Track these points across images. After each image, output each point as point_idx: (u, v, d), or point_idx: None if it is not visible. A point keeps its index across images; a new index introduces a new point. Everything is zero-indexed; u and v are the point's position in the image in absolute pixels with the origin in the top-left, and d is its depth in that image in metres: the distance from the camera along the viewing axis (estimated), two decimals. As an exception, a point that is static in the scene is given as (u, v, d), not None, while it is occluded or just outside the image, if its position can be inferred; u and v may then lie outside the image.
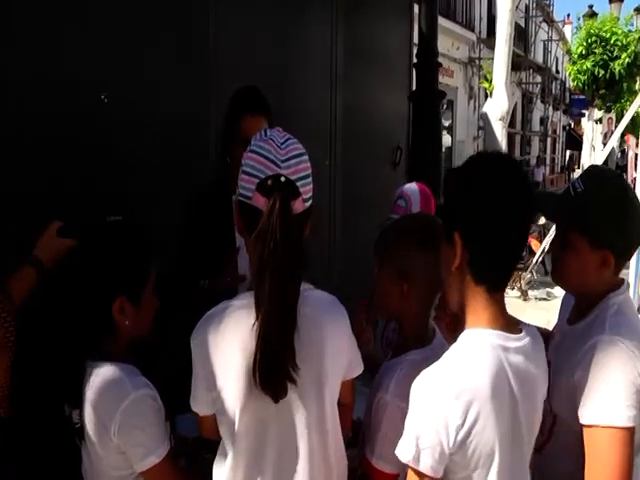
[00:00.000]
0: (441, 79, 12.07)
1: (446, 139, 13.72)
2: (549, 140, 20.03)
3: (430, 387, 0.89)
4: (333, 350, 1.00)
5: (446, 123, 13.46)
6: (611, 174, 1.22)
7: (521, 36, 14.67)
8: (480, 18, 12.76)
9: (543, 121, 17.97)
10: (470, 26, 12.47)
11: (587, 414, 1.04)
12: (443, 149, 13.34)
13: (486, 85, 3.66)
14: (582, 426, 1.05)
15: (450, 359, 0.91)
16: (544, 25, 16.35)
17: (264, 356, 0.92)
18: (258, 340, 0.92)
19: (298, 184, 0.95)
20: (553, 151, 21.67)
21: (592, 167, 1.30)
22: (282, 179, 0.93)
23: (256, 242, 0.92)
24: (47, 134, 1.70)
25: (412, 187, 2.02)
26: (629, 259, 1.19)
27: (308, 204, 0.99)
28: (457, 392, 0.86)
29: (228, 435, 0.99)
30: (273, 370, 0.93)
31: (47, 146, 1.69)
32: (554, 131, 20.84)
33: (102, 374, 1.11)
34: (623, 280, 1.19)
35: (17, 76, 1.64)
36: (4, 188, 1.55)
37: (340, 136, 3.44)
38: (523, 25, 15.14)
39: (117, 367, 1.12)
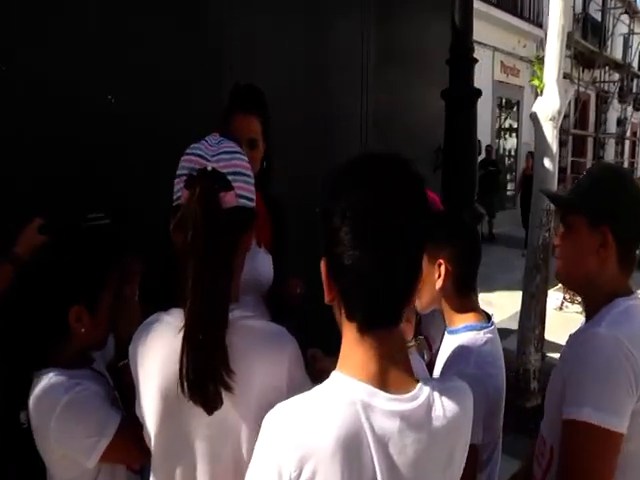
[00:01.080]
0: (505, 78, 11.60)
1: (511, 142, 13.11)
2: (627, 143, 18.67)
3: (277, 425, 0.76)
4: (266, 387, 0.88)
5: (514, 125, 12.87)
6: (616, 166, 1.11)
7: (595, 31, 13.74)
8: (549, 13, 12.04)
9: (621, 122, 16.76)
10: (537, 22, 11.81)
11: (572, 408, 0.93)
12: (511, 152, 12.78)
13: (536, 83, 3.34)
14: (563, 422, 0.95)
15: (306, 402, 0.77)
16: (625, 17, 15.22)
17: (191, 358, 0.85)
18: (183, 341, 0.84)
19: (230, 177, 0.88)
20: (632, 155, 20.18)
21: (599, 162, 1.22)
22: (209, 168, 0.87)
23: (175, 233, 0.86)
24: (48, 134, 1.68)
25: None
26: (632, 249, 1.09)
27: (248, 203, 0.91)
28: (297, 442, 0.73)
29: (151, 449, 0.95)
30: (202, 374, 0.84)
31: (48, 146, 1.68)
32: (634, 133, 19.39)
33: (41, 383, 1.09)
34: (634, 291, 1.09)
35: (18, 75, 1.64)
36: (5, 188, 1.56)
37: (372, 138, 3.31)
38: (599, 19, 14.18)
39: (58, 374, 1.09)
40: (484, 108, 10.97)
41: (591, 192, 1.12)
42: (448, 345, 1.29)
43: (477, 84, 2.77)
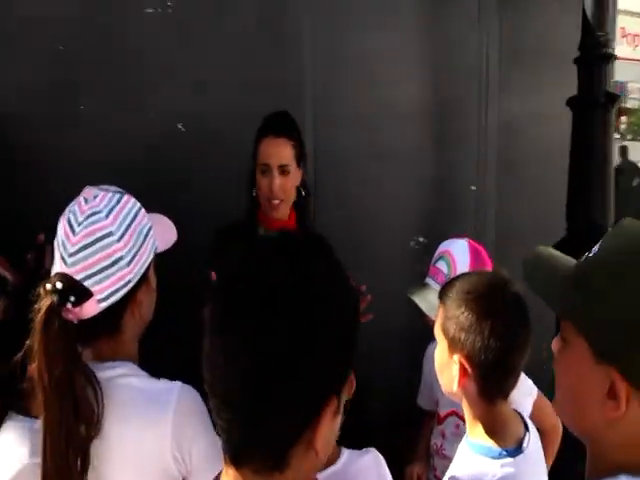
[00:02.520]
0: None
1: None
2: None
3: None
4: (141, 453, 0.80)
5: None
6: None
7: None
8: None
9: None
10: None
11: None
12: None
13: None
14: None
15: None
16: None
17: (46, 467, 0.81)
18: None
19: (88, 282, 0.83)
20: None
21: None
22: (58, 285, 0.82)
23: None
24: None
25: (460, 245, 1.41)
26: None
27: (118, 295, 0.87)
28: None
29: None
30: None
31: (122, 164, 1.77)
32: None
33: (8, 430, 1.03)
34: None
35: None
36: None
37: (493, 156, 2.88)
38: None
39: (21, 426, 1.02)
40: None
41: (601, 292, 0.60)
42: (460, 459, 0.95)
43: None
